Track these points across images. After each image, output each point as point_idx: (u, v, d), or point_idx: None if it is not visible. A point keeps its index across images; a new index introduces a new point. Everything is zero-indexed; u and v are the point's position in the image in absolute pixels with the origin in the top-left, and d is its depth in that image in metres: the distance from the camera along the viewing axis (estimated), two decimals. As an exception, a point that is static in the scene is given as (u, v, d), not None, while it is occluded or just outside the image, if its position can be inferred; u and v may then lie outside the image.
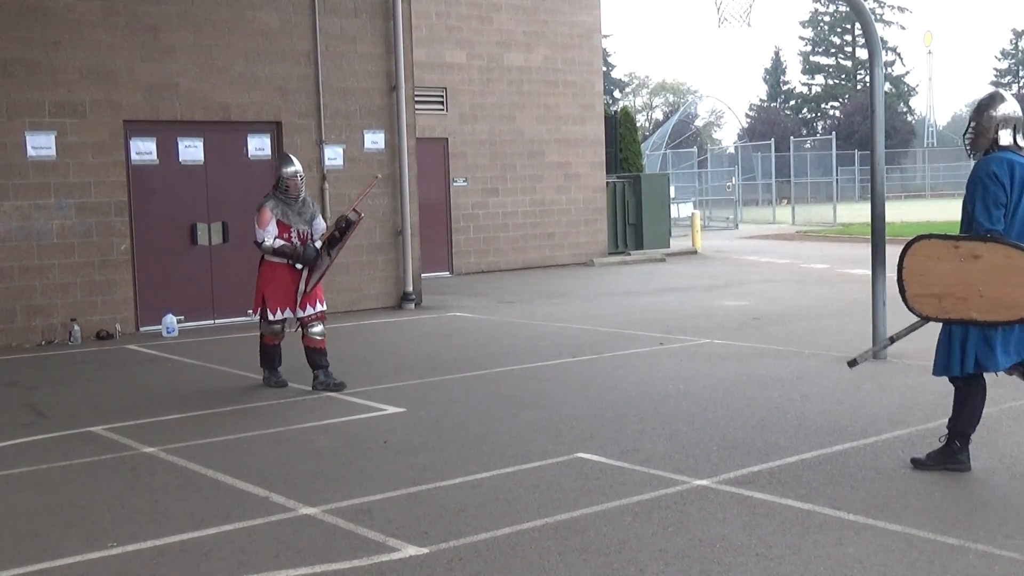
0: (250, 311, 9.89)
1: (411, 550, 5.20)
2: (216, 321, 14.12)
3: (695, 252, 25.48)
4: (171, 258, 13.87)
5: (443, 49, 21.05)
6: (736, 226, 36.58)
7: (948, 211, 38.24)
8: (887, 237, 10.64)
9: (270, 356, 9.61)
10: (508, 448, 7.16)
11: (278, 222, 9.21)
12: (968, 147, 6.22)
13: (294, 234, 9.26)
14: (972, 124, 6.17)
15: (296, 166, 9.38)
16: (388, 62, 15.45)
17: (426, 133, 19.71)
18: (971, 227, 6.02)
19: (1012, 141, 6.06)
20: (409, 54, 15.72)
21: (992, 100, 6.15)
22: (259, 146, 14.50)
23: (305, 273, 9.29)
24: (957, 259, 5.96)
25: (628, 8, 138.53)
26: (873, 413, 7.89)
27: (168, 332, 13.32)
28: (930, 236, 6.14)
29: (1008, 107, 6.09)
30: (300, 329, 9.37)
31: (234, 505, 6.03)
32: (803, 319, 13.22)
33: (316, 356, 9.33)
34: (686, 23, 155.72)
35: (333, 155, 14.98)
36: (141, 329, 13.54)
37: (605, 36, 62.62)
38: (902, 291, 6.22)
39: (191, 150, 13.99)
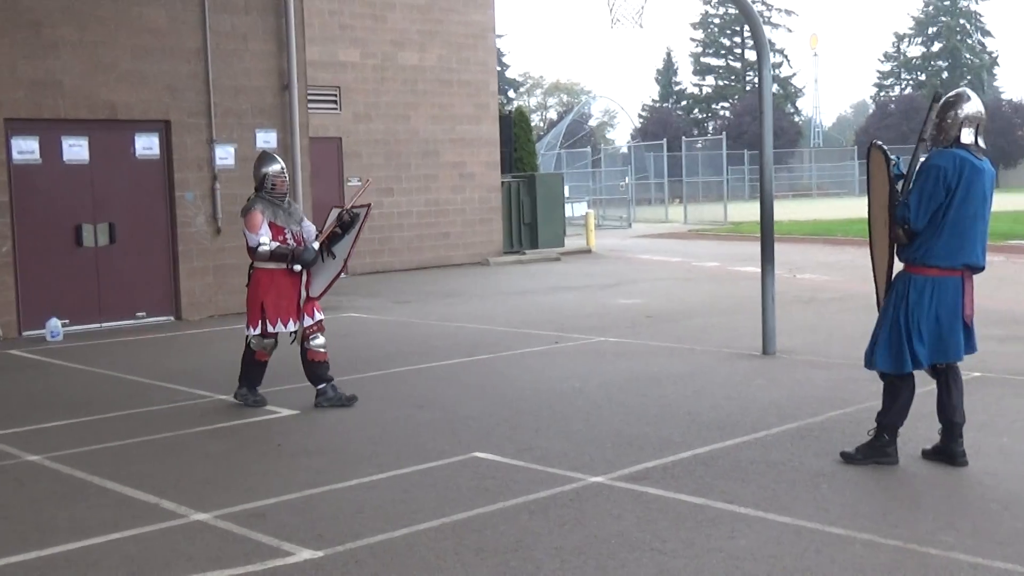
0: (248, 328, 8.57)
1: (306, 553, 5.15)
2: (103, 324, 13.78)
3: (589, 251, 25.70)
4: (55, 260, 13.48)
5: (336, 47, 20.86)
6: (629, 225, 36.98)
7: (834, 210, 39.24)
8: (776, 235, 10.84)
9: (255, 373, 8.71)
10: (404, 449, 7.13)
11: (270, 224, 8.42)
12: (929, 143, 6.29)
13: (288, 236, 8.51)
14: (936, 121, 6.25)
15: (281, 163, 8.69)
16: (280, 60, 15.26)
17: (319, 132, 19.52)
18: (901, 206, 6.17)
19: (973, 141, 6.19)
20: (301, 52, 15.55)
21: (959, 99, 6.24)
22: (147, 145, 14.18)
23: (304, 277, 8.59)
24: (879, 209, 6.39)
25: (522, 8, 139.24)
26: (763, 408, 8.04)
27: (52, 336, 12.95)
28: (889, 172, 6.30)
29: (973, 107, 6.20)
30: (301, 343, 8.61)
31: (122, 513, 5.89)
32: (695, 316, 13.42)
33: (319, 370, 8.62)
34: (579, 23, 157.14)
35: (224, 155, 14.73)
36: (24, 334, 13.14)
37: (499, 36, 62.75)
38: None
39: (76, 149, 13.63)
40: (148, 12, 14.08)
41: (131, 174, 14.06)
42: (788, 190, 61.77)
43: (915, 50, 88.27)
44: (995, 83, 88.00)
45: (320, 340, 8.62)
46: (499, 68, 49.16)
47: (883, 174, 6.30)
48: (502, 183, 24.05)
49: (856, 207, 28.54)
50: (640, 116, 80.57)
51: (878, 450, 6.40)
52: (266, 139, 15.10)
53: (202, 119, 14.54)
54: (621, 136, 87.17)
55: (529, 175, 25.85)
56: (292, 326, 8.53)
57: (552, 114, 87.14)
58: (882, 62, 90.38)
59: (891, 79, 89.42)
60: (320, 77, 19.97)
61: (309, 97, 16.44)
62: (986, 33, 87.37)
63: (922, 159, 6.26)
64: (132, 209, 14.06)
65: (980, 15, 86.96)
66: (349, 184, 21.03)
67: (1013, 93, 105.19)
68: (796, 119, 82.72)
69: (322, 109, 20.39)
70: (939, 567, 4.77)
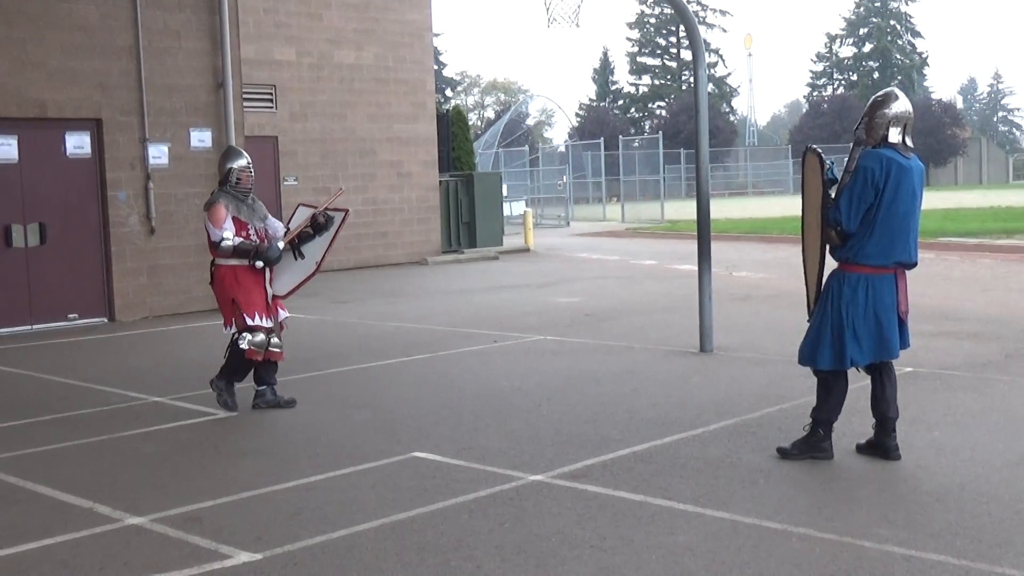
0: (225, 328, 8.36)
1: (244, 556, 5.09)
2: (34, 327, 13.53)
3: (528, 250, 25.75)
4: (-16, 261, 13.22)
5: (272, 46, 20.69)
6: (568, 224, 37.11)
7: (769, 208, 39.70)
8: (712, 234, 10.94)
9: (241, 372, 8.41)
10: (343, 449, 7.09)
11: (234, 219, 8.20)
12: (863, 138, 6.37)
13: (252, 232, 8.30)
14: (864, 120, 6.35)
15: (247, 158, 8.50)
16: (214, 58, 15.08)
17: (255, 131, 19.34)
18: (833, 209, 6.27)
19: (900, 140, 6.29)
20: (236, 50, 15.38)
21: (887, 99, 6.34)
22: (78, 144, 13.94)
23: (268, 275, 8.41)
24: (812, 216, 6.48)
25: (459, 6, 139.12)
26: (701, 405, 8.11)
27: (-18, 339, 12.71)
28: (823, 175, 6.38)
29: (900, 106, 6.30)
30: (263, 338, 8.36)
31: (56, 518, 5.78)
32: (633, 314, 13.50)
33: (268, 371, 8.41)
34: (516, 22, 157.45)
35: (158, 154, 14.52)
36: (-48, 336, 12.88)
37: (436, 35, 62.64)
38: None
39: (4, 148, 13.35)
40: (78, 8, 13.84)
41: (62, 173, 13.82)
42: (724, 189, 62.47)
43: (847, 50, 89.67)
44: (925, 83, 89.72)
45: (275, 339, 8.43)
46: (436, 67, 49.04)
47: (817, 178, 6.39)
48: (440, 182, 24.02)
49: (791, 205, 28.92)
50: (577, 115, 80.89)
51: (813, 445, 6.49)
52: (200, 138, 14.92)
53: (135, 118, 14.33)
54: (558, 135, 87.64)
55: (467, 174, 25.83)
56: (267, 322, 8.36)
57: (489, 113, 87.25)
58: (815, 62, 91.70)
59: (824, 79, 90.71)
60: (255, 75, 19.79)
61: (244, 96, 16.28)
62: (916, 34, 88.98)
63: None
64: (63, 209, 13.82)
65: (910, 16, 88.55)
66: (285, 183, 20.88)
67: (942, 93, 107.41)
68: (731, 118, 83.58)
69: (258, 108, 20.21)
70: (874, 559, 4.84)
